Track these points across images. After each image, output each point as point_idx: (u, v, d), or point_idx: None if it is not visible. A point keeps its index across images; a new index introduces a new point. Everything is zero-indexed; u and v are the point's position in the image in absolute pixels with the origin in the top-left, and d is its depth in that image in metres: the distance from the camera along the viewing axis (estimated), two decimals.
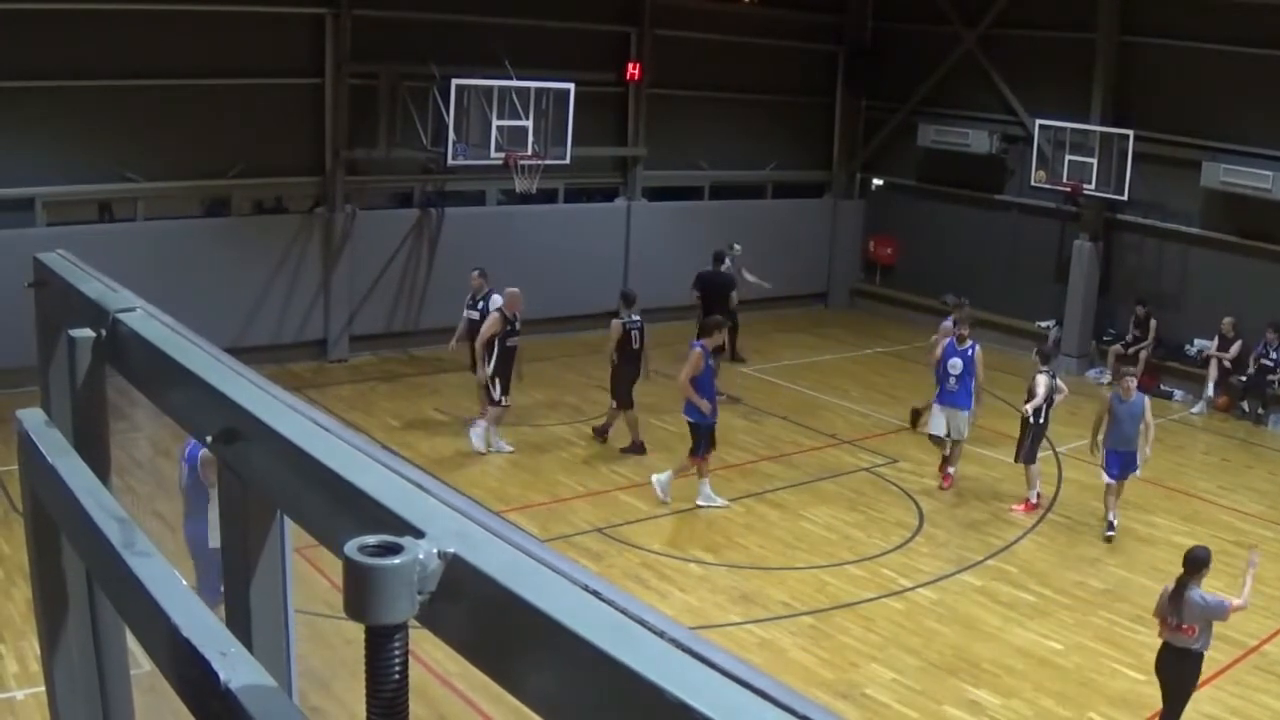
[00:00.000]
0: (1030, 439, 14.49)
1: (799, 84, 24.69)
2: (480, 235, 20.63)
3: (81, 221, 17.46)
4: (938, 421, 15.05)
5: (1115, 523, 13.81)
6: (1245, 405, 18.98)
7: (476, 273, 16.50)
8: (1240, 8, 18.61)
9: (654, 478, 14.21)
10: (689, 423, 14.15)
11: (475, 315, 16.09)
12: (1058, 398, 14.54)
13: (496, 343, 15.17)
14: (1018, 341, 22.12)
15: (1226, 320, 19.14)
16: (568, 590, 1.13)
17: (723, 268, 20.05)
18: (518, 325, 15.47)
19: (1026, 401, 14.51)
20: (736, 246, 20.77)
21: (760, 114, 23.90)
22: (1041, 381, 14.42)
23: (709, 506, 14.10)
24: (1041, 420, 14.46)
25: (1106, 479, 13.83)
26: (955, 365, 14.82)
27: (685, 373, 14.06)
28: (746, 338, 20.64)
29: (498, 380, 15.23)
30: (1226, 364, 19.14)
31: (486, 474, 14.91)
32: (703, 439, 14.08)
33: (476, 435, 15.47)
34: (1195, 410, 19.22)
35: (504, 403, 15.41)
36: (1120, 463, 13.84)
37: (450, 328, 16.79)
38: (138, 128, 17.27)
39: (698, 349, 14.18)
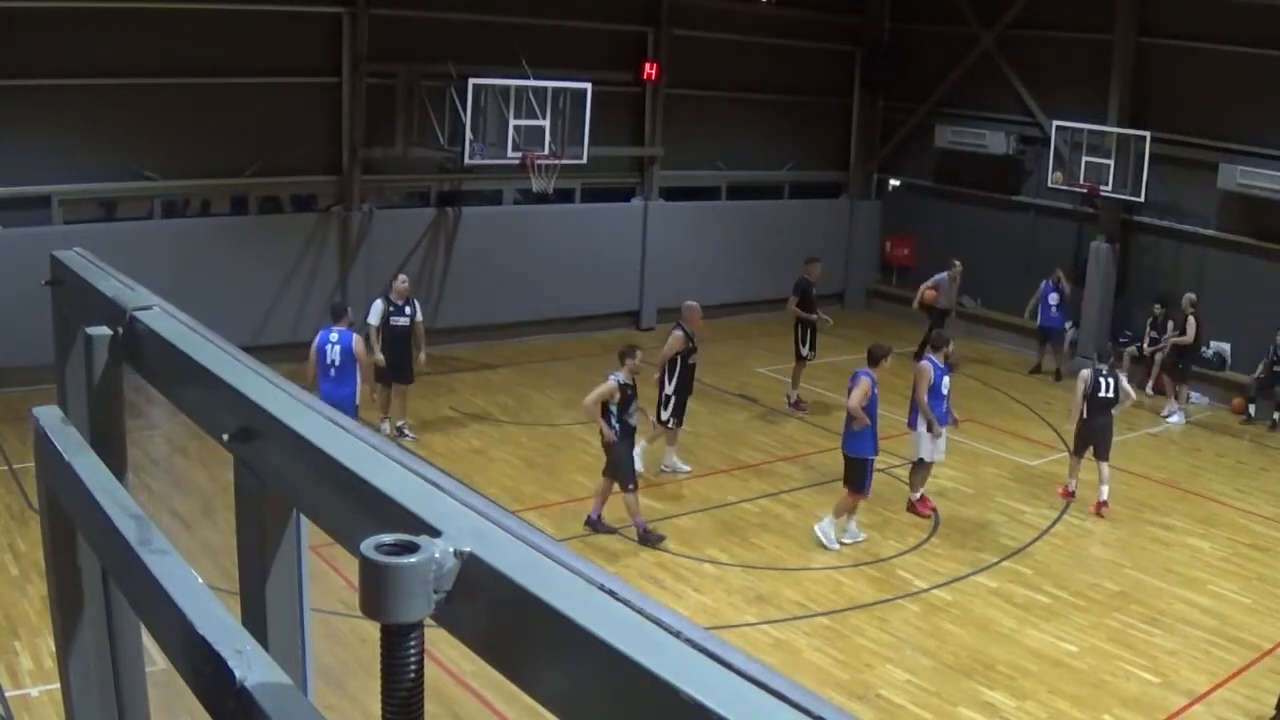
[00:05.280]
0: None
1: (816, 84, 24.65)
2: (497, 235, 20.70)
3: (98, 220, 17.52)
4: (939, 445, 14.10)
5: None
6: (1251, 410, 18.83)
7: None
8: (1258, 9, 18.51)
9: (817, 528, 13.24)
10: (859, 459, 13.20)
11: (404, 320, 15.43)
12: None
13: (679, 361, 14.60)
14: (1033, 343, 22.07)
15: (1187, 297, 18.83)
16: (584, 590, 1.12)
17: (942, 281, 20.38)
18: (695, 342, 14.88)
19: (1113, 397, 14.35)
20: (956, 264, 20.76)
21: (777, 114, 23.87)
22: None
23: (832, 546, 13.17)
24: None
25: None
26: (947, 385, 14.11)
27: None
28: (762, 338, 20.63)
29: (673, 399, 14.57)
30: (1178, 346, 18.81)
31: (503, 473, 14.92)
32: (869, 476, 13.28)
33: (666, 461, 14.94)
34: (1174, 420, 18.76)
35: (671, 425, 14.74)
36: None
37: (466, 327, 16.71)
38: (155, 126, 17.31)
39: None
